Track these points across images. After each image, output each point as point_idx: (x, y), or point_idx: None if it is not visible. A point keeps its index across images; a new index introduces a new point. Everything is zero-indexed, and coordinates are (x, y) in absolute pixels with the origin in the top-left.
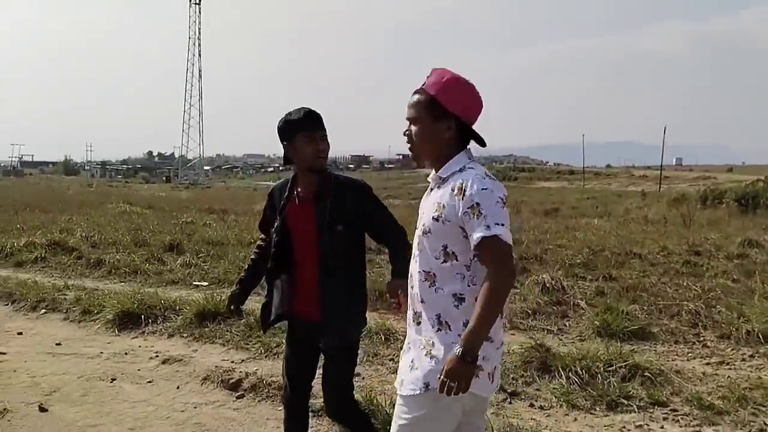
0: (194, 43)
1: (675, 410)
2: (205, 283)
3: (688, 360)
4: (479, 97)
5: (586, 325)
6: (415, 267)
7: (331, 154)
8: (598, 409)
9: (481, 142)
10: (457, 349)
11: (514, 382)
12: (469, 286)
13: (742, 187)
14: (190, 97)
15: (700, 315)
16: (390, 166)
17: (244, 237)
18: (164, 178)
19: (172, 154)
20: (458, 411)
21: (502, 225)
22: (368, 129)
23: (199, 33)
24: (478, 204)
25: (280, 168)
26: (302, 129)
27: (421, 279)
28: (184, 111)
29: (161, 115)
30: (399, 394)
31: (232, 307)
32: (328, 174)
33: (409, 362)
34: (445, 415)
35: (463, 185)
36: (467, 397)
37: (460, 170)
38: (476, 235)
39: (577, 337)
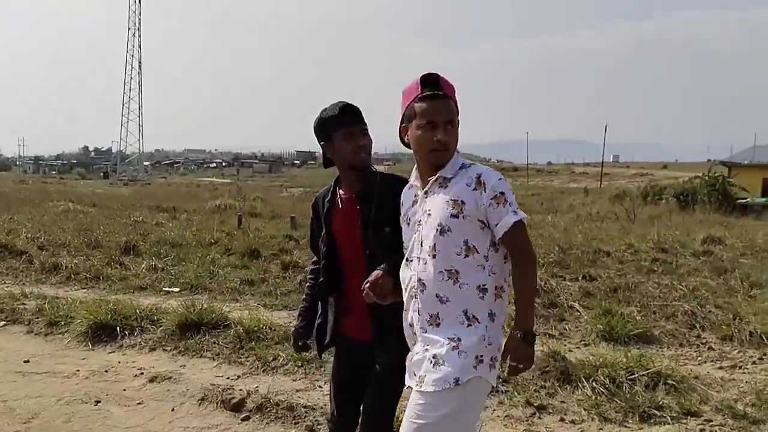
0: (134, 34)
1: (709, 420)
2: (177, 290)
3: (699, 364)
4: None
5: (588, 329)
6: (428, 270)
7: (276, 150)
8: (630, 421)
9: None
10: (516, 333)
11: (537, 393)
12: (489, 275)
13: (681, 183)
14: (130, 90)
15: (696, 316)
16: None
17: (203, 237)
18: (102, 174)
19: (109, 149)
20: (483, 402)
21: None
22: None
23: (139, 24)
24: (502, 193)
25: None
26: (340, 125)
27: (443, 278)
28: (123, 104)
29: (98, 108)
30: (418, 391)
31: (300, 344)
32: (373, 172)
33: (431, 358)
34: (474, 409)
35: (482, 179)
36: (488, 388)
37: (462, 167)
38: (508, 221)
39: (581, 342)
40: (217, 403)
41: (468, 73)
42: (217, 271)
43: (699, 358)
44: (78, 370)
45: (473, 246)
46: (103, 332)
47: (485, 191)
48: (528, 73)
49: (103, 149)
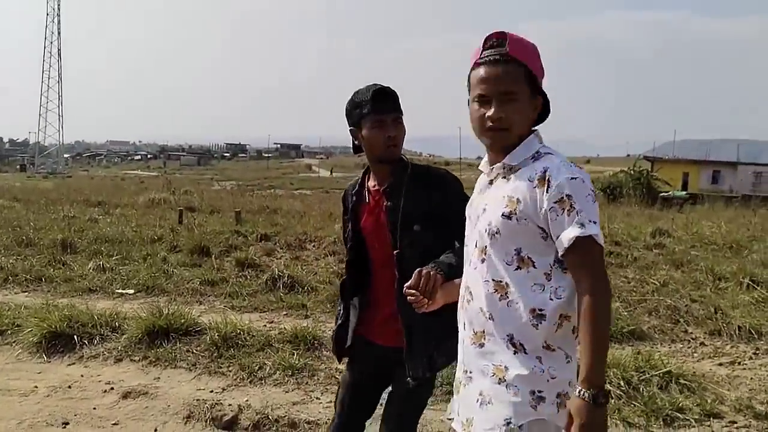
0: (53, 20)
1: (733, 422)
2: (131, 291)
3: (698, 361)
4: None
5: None
6: (476, 277)
7: (205, 142)
8: (655, 425)
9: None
10: (583, 393)
11: None
12: (551, 299)
13: (607, 177)
14: (48, 78)
15: (679, 310)
16: (267, 155)
17: (145, 233)
18: (18, 167)
19: (26, 140)
20: None
21: (596, 223)
22: (244, 117)
23: (59, 9)
24: (569, 196)
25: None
26: (370, 111)
27: (489, 290)
28: (41, 94)
29: (12, 98)
30: None
31: (336, 347)
32: (404, 163)
33: (478, 395)
34: None
35: (547, 174)
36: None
37: (534, 157)
38: (568, 235)
39: None
40: (206, 421)
41: (400, 65)
42: (171, 270)
43: (695, 355)
44: (36, 387)
45: (528, 258)
46: (59, 342)
47: (548, 191)
48: (459, 68)
49: (18, 140)
